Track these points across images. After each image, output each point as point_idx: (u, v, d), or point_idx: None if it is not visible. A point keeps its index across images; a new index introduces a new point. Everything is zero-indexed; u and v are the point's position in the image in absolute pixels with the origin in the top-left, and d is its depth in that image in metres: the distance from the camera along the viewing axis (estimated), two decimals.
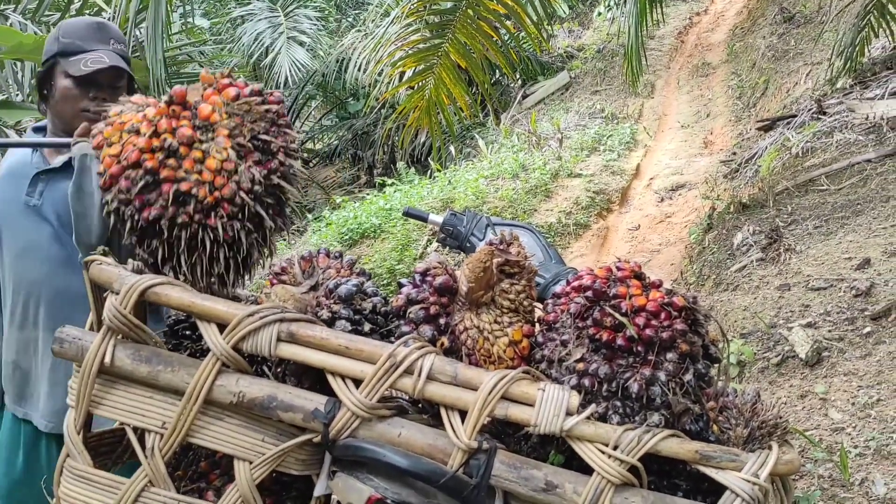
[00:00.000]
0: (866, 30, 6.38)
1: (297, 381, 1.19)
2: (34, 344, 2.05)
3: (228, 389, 1.13)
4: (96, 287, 1.22)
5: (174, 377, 1.15)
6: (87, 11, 6.34)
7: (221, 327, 1.14)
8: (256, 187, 1.24)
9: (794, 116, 6.93)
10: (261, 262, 1.34)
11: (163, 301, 1.15)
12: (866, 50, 6.69)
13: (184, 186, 1.20)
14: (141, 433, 1.19)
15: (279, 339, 1.12)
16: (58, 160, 2.06)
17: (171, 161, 1.21)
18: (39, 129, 2.17)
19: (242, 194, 1.23)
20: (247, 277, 1.34)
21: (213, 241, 1.22)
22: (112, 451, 1.36)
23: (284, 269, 1.23)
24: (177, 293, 1.14)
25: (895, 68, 6.50)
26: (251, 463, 1.14)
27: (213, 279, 1.29)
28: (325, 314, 1.17)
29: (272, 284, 1.24)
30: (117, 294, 1.15)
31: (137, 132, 1.23)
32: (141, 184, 1.20)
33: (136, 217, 1.23)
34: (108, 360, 1.15)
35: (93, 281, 1.21)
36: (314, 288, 1.21)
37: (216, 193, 1.21)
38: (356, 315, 1.18)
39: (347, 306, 1.17)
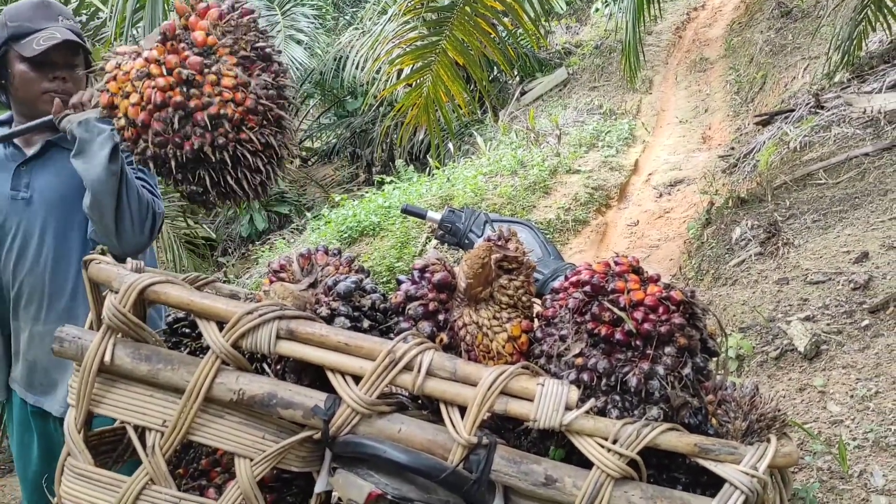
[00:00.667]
0: (863, 24, 6.38)
1: (297, 378, 1.19)
2: (39, 337, 2.05)
3: (228, 387, 1.14)
4: (95, 286, 1.23)
5: (174, 375, 1.15)
6: (84, 11, 6.34)
7: (221, 325, 1.14)
8: (271, 91, 1.33)
9: (792, 111, 6.93)
10: (289, 161, 1.44)
11: (162, 300, 1.15)
12: (864, 44, 6.69)
13: (213, 110, 1.27)
14: (142, 431, 1.19)
15: (278, 337, 1.13)
16: (33, 148, 2.05)
17: (194, 90, 1.28)
18: (3, 123, 2.14)
19: (263, 101, 1.32)
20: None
21: (253, 153, 1.32)
22: (113, 449, 1.37)
23: (283, 267, 1.24)
24: (176, 292, 1.15)
25: (892, 62, 6.50)
26: (252, 460, 1.15)
27: (258, 188, 1.40)
28: (324, 311, 1.17)
29: (271, 282, 1.25)
30: (116, 293, 1.15)
31: (149, 75, 1.28)
32: (176, 119, 1.27)
33: (179, 153, 1.31)
34: (107, 358, 1.16)
35: (92, 280, 1.21)
36: (313, 285, 1.22)
37: (240, 108, 1.29)
38: (355, 312, 1.18)
39: (346, 303, 1.18)
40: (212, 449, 1.23)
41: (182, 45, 1.30)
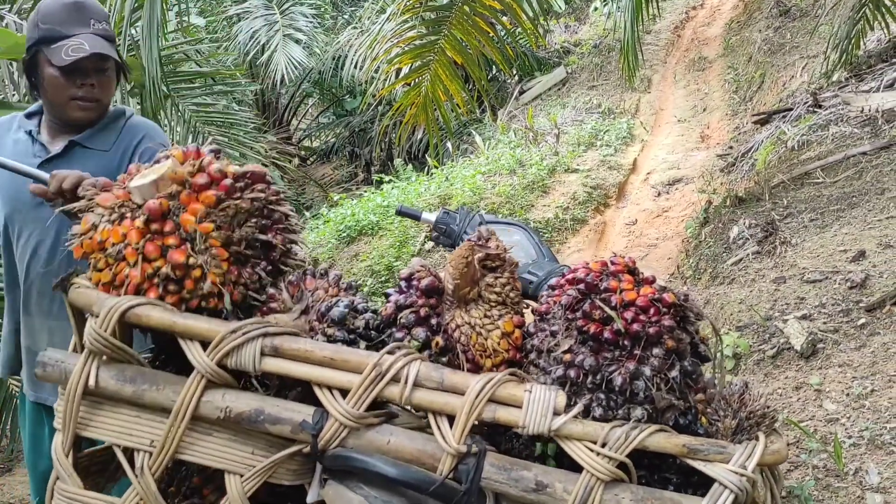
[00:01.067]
0: (861, 22, 6.38)
1: (297, 393, 1.19)
2: (48, 332, 2.06)
3: (215, 405, 1.13)
4: (77, 310, 1.21)
5: (160, 395, 1.15)
6: None
7: (205, 344, 1.13)
8: (264, 280, 1.22)
9: (790, 110, 6.93)
10: None
11: (143, 322, 1.14)
12: (862, 43, 6.69)
13: (192, 304, 1.16)
14: (130, 452, 1.19)
15: (263, 354, 1.12)
16: (58, 146, 2.05)
17: (172, 286, 1.15)
18: (33, 114, 2.13)
19: (252, 294, 1.20)
20: None
21: None
22: (104, 469, 1.36)
23: (273, 297, 1.22)
24: (157, 313, 1.14)
25: (890, 61, 6.50)
26: (242, 476, 1.15)
27: None
28: (319, 339, 1.16)
29: (263, 314, 1.23)
30: (97, 317, 1.15)
31: (124, 259, 1.15)
32: None
33: (146, 332, 1.21)
34: (91, 382, 1.15)
35: (73, 304, 1.20)
36: (305, 312, 1.21)
37: (225, 298, 1.18)
38: (350, 335, 1.18)
39: (341, 328, 1.17)
40: (203, 466, 1.23)
41: (168, 225, 1.15)
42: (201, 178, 1.14)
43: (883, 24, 6.32)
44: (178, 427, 1.13)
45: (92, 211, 1.20)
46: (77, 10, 1.97)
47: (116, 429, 1.18)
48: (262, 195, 1.19)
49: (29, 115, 2.14)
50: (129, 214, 1.16)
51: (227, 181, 1.15)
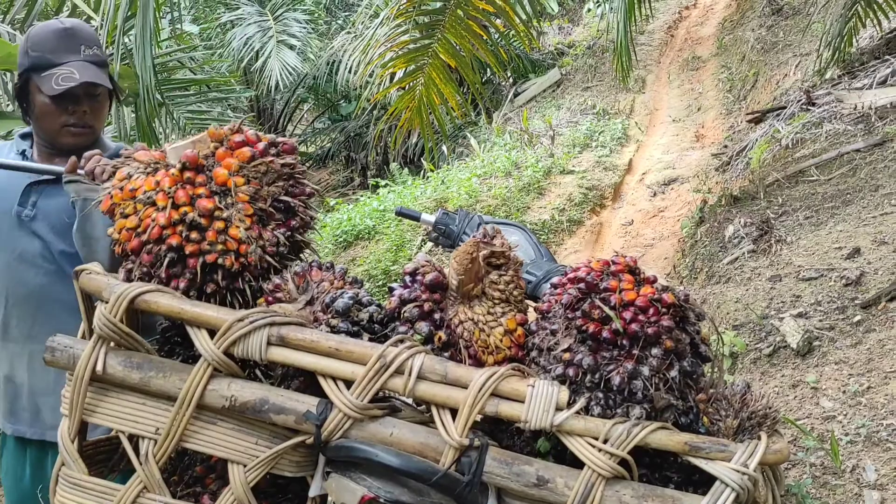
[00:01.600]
0: (854, 20, 6.40)
1: (299, 383, 1.20)
2: (28, 357, 1.99)
3: (220, 394, 1.15)
4: (87, 296, 1.23)
5: (166, 383, 1.16)
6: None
7: (212, 333, 1.15)
8: (281, 248, 1.26)
9: (784, 108, 6.95)
10: None
11: (152, 309, 1.16)
12: (854, 40, 6.71)
13: (210, 258, 1.19)
14: (135, 440, 1.20)
15: (269, 343, 1.13)
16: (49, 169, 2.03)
17: (195, 234, 1.19)
18: (26, 136, 2.11)
19: (268, 258, 1.24)
20: None
21: (243, 303, 1.24)
22: (108, 458, 1.38)
23: (278, 287, 1.24)
24: (166, 300, 1.15)
25: (883, 58, 6.53)
26: (245, 466, 1.16)
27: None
28: (323, 329, 1.18)
29: (268, 303, 1.25)
30: (107, 303, 1.16)
31: (153, 204, 1.20)
32: (167, 260, 1.19)
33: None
34: (99, 367, 1.16)
35: (83, 290, 1.21)
36: (310, 303, 1.22)
37: (241, 260, 1.21)
38: (354, 327, 1.19)
39: (345, 319, 1.18)
40: (206, 455, 1.24)
41: (201, 177, 1.21)
42: (238, 137, 1.22)
43: (875, 21, 6.35)
44: (184, 415, 1.14)
45: (127, 165, 1.26)
46: (68, 36, 1.95)
47: (122, 416, 1.19)
48: (293, 163, 1.27)
49: (24, 136, 2.11)
50: (163, 170, 1.23)
51: (262, 144, 1.23)
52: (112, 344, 1.19)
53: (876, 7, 6.21)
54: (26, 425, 2.02)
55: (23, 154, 2.05)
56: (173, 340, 1.31)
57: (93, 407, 1.19)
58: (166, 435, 1.16)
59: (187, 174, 1.21)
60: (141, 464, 1.17)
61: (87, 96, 1.96)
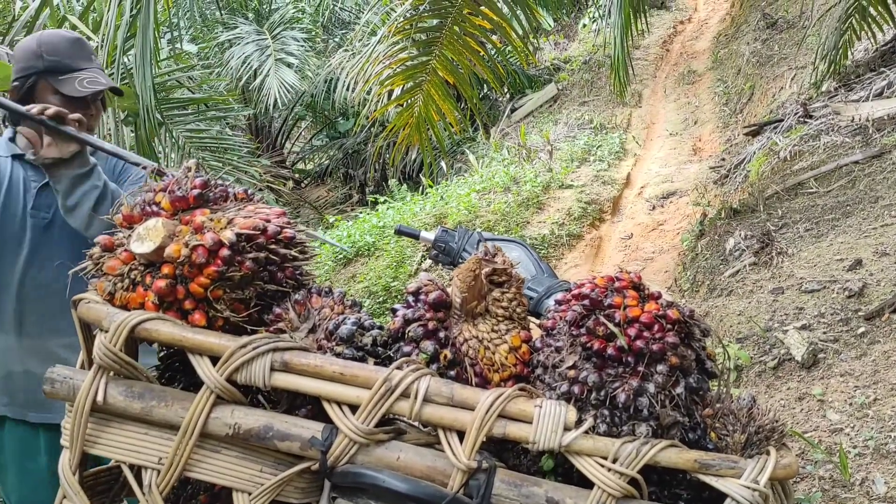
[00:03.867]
0: (848, 33, 6.44)
1: (307, 411, 1.18)
2: (45, 352, 2.04)
3: (224, 422, 1.13)
4: (85, 325, 1.22)
5: (168, 412, 1.14)
6: None
7: (214, 360, 1.13)
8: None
9: (781, 121, 6.97)
10: None
11: (153, 337, 1.14)
12: (849, 52, 6.75)
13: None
14: (137, 470, 1.18)
15: (273, 369, 1.12)
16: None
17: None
18: (11, 139, 2.14)
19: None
20: None
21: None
22: (109, 488, 1.35)
23: (279, 316, 1.22)
24: (167, 328, 1.14)
25: (878, 70, 6.56)
26: (250, 494, 1.14)
27: None
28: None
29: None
30: (106, 332, 1.14)
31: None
32: None
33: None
34: (100, 398, 1.14)
35: (81, 320, 1.20)
36: (312, 330, 1.21)
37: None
38: (359, 352, 1.18)
39: (350, 346, 1.17)
40: (210, 484, 1.22)
41: (180, 291, 1.18)
42: (199, 258, 1.15)
43: (869, 33, 6.38)
44: (187, 444, 1.12)
45: (104, 277, 1.23)
46: (80, 45, 2.09)
47: (124, 446, 1.17)
48: (262, 254, 1.21)
49: (10, 140, 2.15)
50: (139, 279, 1.19)
51: (225, 253, 1.16)
52: (112, 374, 1.17)
53: (870, 20, 6.25)
54: (56, 412, 2.06)
55: (19, 159, 2.11)
56: (174, 367, 1.29)
57: (94, 438, 1.17)
58: (169, 464, 1.13)
59: (167, 298, 1.18)
60: (144, 494, 1.15)
61: (93, 101, 2.09)
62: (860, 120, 5.84)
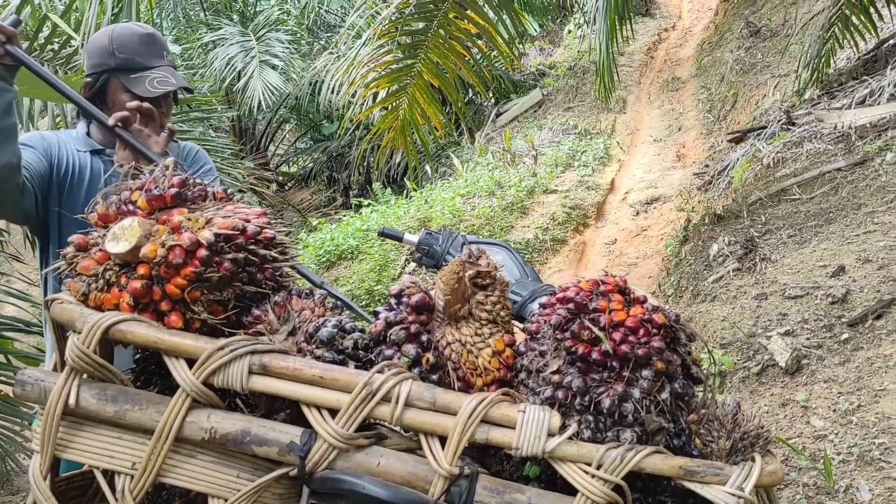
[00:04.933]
0: (831, 41, 6.49)
1: (285, 415, 1.15)
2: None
3: (200, 426, 1.10)
4: (58, 326, 1.18)
5: (143, 416, 1.11)
6: (56, 39, 6.29)
7: (191, 362, 1.10)
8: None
9: (764, 128, 7.02)
10: None
11: (128, 339, 1.11)
12: (832, 61, 6.80)
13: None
14: (111, 475, 1.15)
15: (251, 372, 1.09)
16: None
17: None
18: (88, 134, 2.12)
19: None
20: None
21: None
22: (82, 493, 1.32)
23: (258, 318, 1.19)
24: (142, 330, 1.10)
25: (861, 78, 6.62)
26: (226, 500, 1.10)
27: None
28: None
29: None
30: (80, 333, 1.11)
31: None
32: None
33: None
34: (72, 401, 1.11)
35: (54, 321, 1.17)
36: (292, 333, 1.18)
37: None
38: (340, 355, 1.15)
39: (330, 349, 1.14)
40: (185, 490, 1.19)
41: (156, 293, 1.15)
42: (176, 259, 1.12)
43: (852, 42, 6.44)
44: (161, 448, 1.09)
45: (78, 277, 1.19)
46: (152, 41, 2.05)
47: (97, 451, 1.13)
48: (241, 255, 1.17)
49: (86, 134, 2.12)
50: (114, 279, 1.16)
51: (203, 253, 1.13)
52: (85, 376, 1.14)
53: (853, 28, 6.30)
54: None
55: (101, 155, 2.09)
56: (149, 370, 1.26)
57: (66, 442, 1.14)
58: (143, 470, 1.10)
59: (143, 299, 1.15)
60: (117, 500, 1.12)
61: (164, 98, 2.06)
62: (843, 127, 5.89)
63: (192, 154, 2.25)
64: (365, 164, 12.31)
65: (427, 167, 10.40)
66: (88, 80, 2.04)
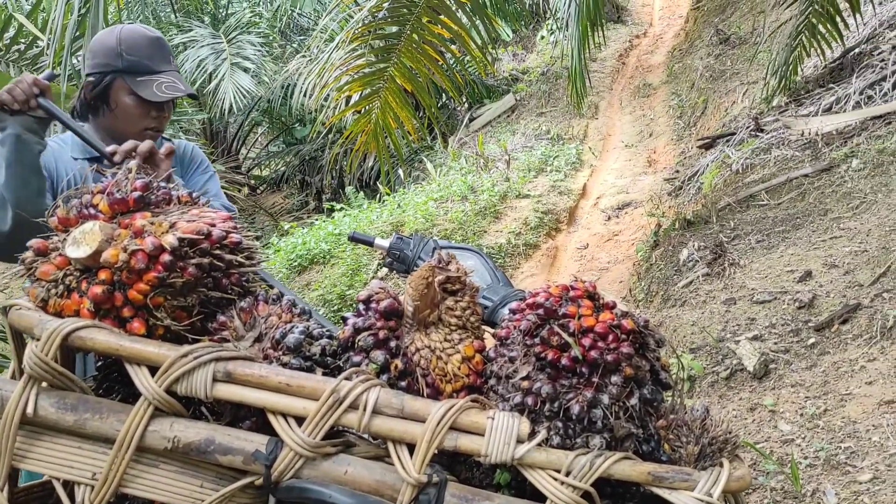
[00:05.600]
0: (799, 49, 6.60)
1: (251, 423, 1.13)
2: None
3: (162, 435, 1.07)
4: (17, 333, 1.15)
5: (103, 425, 1.08)
6: (22, 40, 6.18)
7: (154, 370, 1.08)
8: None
9: (733, 134, 7.11)
10: None
11: (88, 346, 1.08)
12: (799, 69, 6.92)
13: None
14: (71, 486, 1.12)
15: (215, 380, 1.07)
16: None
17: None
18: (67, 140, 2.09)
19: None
20: None
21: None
22: None
23: (224, 325, 1.17)
24: (103, 337, 1.08)
25: (827, 86, 6.73)
26: None
27: None
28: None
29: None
30: (38, 340, 1.08)
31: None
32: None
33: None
34: (30, 410, 1.08)
35: (12, 327, 1.14)
36: (258, 339, 1.16)
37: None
38: (307, 362, 1.13)
39: (297, 355, 1.13)
40: (148, 500, 1.16)
41: (118, 298, 1.12)
42: (139, 264, 1.09)
43: (819, 50, 6.55)
44: (123, 458, 1.06)
45: (37, 282, 1.16)
46: (160, 46, 2.05)
47: (56, 461, 1.10)
48: (206, 260, 1.15)
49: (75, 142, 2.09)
50: (74, 285, 1.13)
51: (166, 258, 1.10)
52: (44, 384, 1.11)
53: (820, 37, 6.41)
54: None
55: (96, 161, 2.06)
56: (112, 378, 1.23)
57: (24, 452, 1.10)
58: (104, 480, 1.07)
59: (104, 305, 1.12)
60: None
61: (167, 103, 2.06)
62: (810, 134, 5.98)
63: (188, 151, 2.24)
64: (338, 167, 12.25)
65: (400, 171, 10.38)
66: (91, 79, 2.02)
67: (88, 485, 1.09)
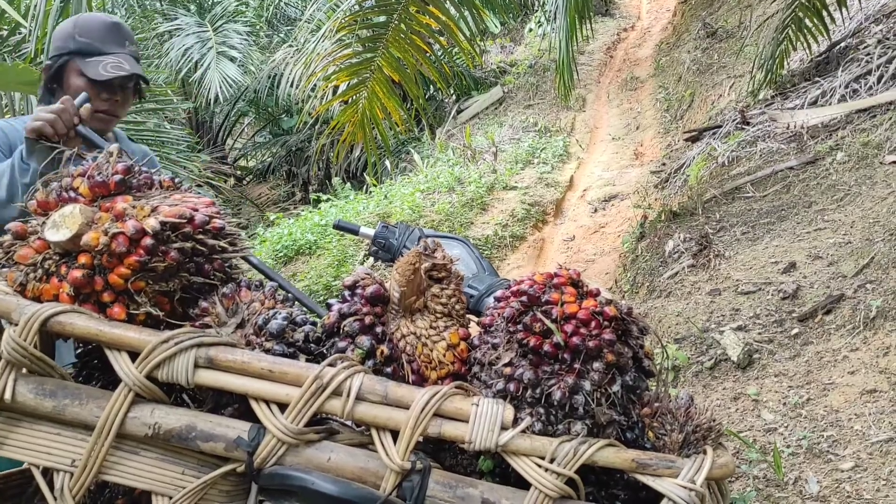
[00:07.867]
0: (785, 43, 6.63)
1: (233, 410, 1.12)
2: None
3: (143, 421, 1.06)
4: None
5: (83, 411, 1.07)
6: (4, 26, 6.11)
7: (134, 355, 1.06)
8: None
9: (720, 127, 7.13)
10: None
11: (67, 331, 1.06)
12: (785, 62, 6.94)
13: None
14: (50, 473, 1.10)
15: (197, 366, 1.06)
16: None
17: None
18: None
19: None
20: None
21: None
22: (21, 492, 1.27)
23: (206, 311, 1.15)
24: (83, 322, 1.06)
25: (813, 79, 6.76)
26: (171, 498, 1.07)
27: None
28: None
29: None
30: (16, 325, 1.07)
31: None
32: None
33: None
34: (8, 396, 1.07)
35: None
36: (241, 326, 1.15)
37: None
38: (290, 349, 1.12)
39: (280, 342, 1.12)
40: (129, 488, 1.15)
41: (98, 283, 1.11)
42: (119, 247, 1.07)
43: (805, 44, 6.58)
44: (102, 445, 1.05)
45: (15, 266, 1.14)
46: (115, 30, 2.07)
47: (34, 448, 1.09)
48: (188, 244, 1.13)
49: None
50: (54, 269, 1.11)
51: (147, 242, 1.08)
52: (23, 370, 1.09)
53: (806, 31, 6.44)
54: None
55: None
56: (92, 364, 1.21)
57: (2, 439, 1.09)
58: (83, 467, 1.06)
59: (84, 290, 1.10)
60: (56, 499, 1.07)
61: (121, 87, 2.07)
62: (795, 127, 6.01)
63: (143, 158, 2.23)
64: (324, 158, 12.21)
65: (387, 162, 10.36)
66: (48, 62, 2.05)
67: (68, 472, 1.07)
